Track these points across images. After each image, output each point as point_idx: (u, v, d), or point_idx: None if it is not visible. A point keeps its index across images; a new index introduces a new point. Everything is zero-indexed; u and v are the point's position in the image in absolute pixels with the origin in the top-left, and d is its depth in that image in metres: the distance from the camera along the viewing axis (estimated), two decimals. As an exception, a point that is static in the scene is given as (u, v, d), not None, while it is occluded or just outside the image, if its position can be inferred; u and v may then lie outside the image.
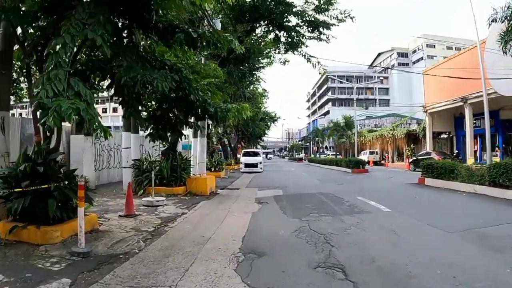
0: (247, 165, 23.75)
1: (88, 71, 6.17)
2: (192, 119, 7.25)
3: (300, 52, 12.67)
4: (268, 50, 17.79)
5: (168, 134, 8.41)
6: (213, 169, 18.80)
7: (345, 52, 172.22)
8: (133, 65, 4.64)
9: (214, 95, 5.78)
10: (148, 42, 6.61)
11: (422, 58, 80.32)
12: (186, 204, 8.92)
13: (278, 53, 14.05)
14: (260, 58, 19.88)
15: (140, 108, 5.45)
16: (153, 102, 6.83)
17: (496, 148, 23.92)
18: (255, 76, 24.35)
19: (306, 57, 12.59)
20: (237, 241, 4.99)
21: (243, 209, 7.85)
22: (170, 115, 5.72)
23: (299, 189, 11.83)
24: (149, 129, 5.62)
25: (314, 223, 5.93)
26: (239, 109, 5.62)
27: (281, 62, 14.69)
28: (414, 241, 4.82)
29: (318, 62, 12.78)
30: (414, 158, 23.96)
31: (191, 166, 12.05)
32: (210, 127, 22.25)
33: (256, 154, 26.50)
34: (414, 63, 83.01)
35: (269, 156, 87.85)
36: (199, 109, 5.29)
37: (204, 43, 4.57)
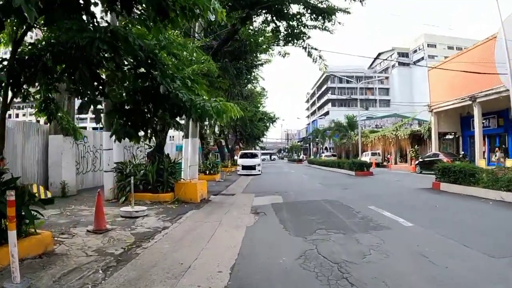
0: (244, 167, 22.52)
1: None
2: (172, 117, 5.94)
3: (301, 44, 11.46)
4: (266, 45, 16.66)
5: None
6: (207, 172, 17.60)
7: (345, 52, 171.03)
8: (88, 30, 3.45)
9: (197, 85, 4.55)
10: (123, 23, 5.43)
11: (423, 58, 79.38)
12: (171, 214, 7.71)
13: (277, 45, 12.84)
14: (257, 54, 18.72)
15: (100, 97, 4.25)
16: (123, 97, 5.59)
17: (496, 149, 22.96)
18: (253, 73, 23.13)
19: (307, 50, 11.38)
20: (224, 272, 3.78)
21: (236, 222, 6.64)
22: (145, 109, 4.51)
23: (300, 195, 10.62)
24: (114, 124, 4.38)
25: (323, 245, 4.72)
26: (220, 110, 4.37)
27: (280, 54, 13.48)
28: (457, 273, 3.63)
29: (320, 57, 11.58)
30: (421, 159, 22.77)
31: (181, 169, 10.86)
32: (205, 128, 21.04)
33: (254, 155, 25.26)
34: (415, 63, 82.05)
35: (273, 157, 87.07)
36: (172, 104, 4.07)
37: (178, 11, 3.38)
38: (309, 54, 11.48)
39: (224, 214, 7.59)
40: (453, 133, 28.17)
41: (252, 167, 22.49)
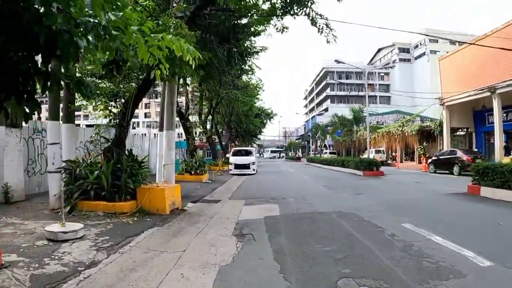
0: (237, 166, 20.04)
1: None
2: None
3: (303, 10, 9.03)
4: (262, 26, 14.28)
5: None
6: (193, 172, 15.15)
7: (344, 49, 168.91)
8: None
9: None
10: None
11: (424, 54, 77.49)
12: (118, 235, 5.31)
13: (274, 15, 10.40)
14: (252, 37, 16.29)
15: None
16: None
17: None
18: (247, 61, 20.62)
19: (311, 17, 8.93)
20: None
21: (206, 256, 4.22)
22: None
23: (303, 204, 8.17)
24: None
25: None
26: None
27: (278, 30, 11.04)
28: None
29: (327, 25, 9.12)
30: (435, 157, 20.41)
31: (147, 169, 8.45)
32: (190, 119, 18.56)
33: (248, 153, 22.78)
34: (416, 58, 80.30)
35: (281, 154, 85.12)
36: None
37: None
38: (314, 23, 9.04)
39: (195, 237, 5.18)
40: (465, 129, 25.89)
41: (246, 166, 20.03)
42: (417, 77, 75.39)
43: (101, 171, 7.37)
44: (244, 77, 25.58)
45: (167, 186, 7.54)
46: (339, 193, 10.21)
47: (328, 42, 9.27)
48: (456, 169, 17.28)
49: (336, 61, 21.87)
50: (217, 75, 15.95)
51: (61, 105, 8.56)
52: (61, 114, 8.69)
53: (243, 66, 20.25)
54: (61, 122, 8.53)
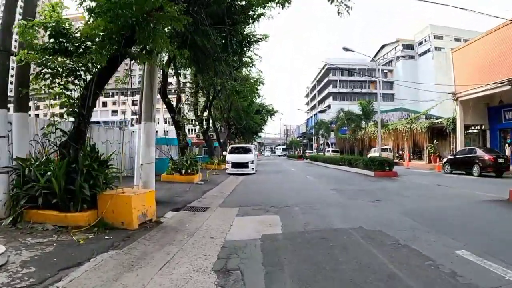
0: (234, 165, 18.35)
1: None
2: None
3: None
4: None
5: None
6: (184, 171, 13.49)
7: (347, 44, 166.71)
8: None
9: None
10: None
11: (429, 50, 75.69)
12: (51, 265, 3.69)
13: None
14: (251, 21, 14.56)
15: None
16: None
17: (506, 145, 19.36)
18: (247, 51, 18.82)
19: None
20: None
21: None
22: None
23: (312, 216, 6.45)
24: None
25: None
26: None
27: (277, 2, 9.29)
28: None
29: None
30: (451, 156, 18.76)
31: (116, 170, 6.77)
32: (182, 111, 16.79)
33: (247, 150, 21.05)
34: (420, 55, 78.54)
35: (289, 152, 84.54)
36: None
37: None
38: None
39: (157, 273, 3.52)
40: (478, 126, 24.21)
41: (244, 165, 18.32)
42: (421, 74, 73.62)
43: (53, 173, 5.73)
44: (244, 71, 23.86)
45: (136, 192, 5.87)
46: (353, 199, 8.48)
47: (339, 13, 7.53)
48: (476, 169, 15.62)
49: (344, 48, 20.18)
50: (211, 62, 14.27)
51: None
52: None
53: (241, 57, 18.48)
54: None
